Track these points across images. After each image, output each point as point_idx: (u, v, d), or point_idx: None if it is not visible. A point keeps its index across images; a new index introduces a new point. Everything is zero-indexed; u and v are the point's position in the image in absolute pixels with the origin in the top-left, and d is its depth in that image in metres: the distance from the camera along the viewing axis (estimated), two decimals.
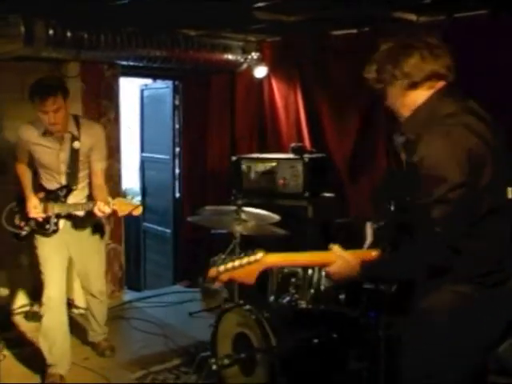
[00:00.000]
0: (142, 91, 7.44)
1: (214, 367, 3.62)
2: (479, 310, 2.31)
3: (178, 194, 6.96)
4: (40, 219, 4.07)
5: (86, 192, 4.22)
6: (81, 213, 4.13)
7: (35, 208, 4.04)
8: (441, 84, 2.38)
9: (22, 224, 4.15)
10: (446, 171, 2.19)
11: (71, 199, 4.12)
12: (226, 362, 3.62)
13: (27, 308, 5.39)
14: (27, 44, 4.45)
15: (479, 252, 2.29)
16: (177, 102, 6.81)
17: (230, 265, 2.38)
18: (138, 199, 4.07)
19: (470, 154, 2.20)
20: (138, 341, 5.07)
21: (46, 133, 4.00)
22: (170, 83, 6.82)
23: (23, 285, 5.46)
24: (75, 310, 5.34)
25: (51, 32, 4.52)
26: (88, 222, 4.24)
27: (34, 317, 5.21)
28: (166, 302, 6.05)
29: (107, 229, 5.71)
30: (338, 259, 2.47)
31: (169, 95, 6.85)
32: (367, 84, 2.52)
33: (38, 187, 4.17)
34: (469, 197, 2.20)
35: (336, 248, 2.52)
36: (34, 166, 4.18)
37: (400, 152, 2.50)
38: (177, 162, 6.91)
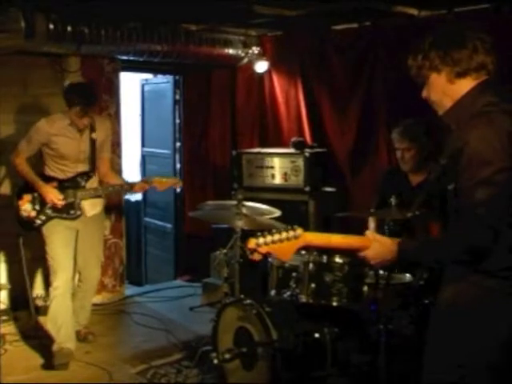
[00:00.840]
0: (142, 86, 7.43)
1: (215, 361, 3.62)
2: (502, 305, 2.29)
3: (178, 189, 6.95)
4: (60, 206, 4.31)
5: (97, 179, 4.56)
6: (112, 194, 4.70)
7: (57, 196, 4.29)
8: (485, 77, 2.39)
9: (33, 214, 4.35)
10: (490, 155, 2.19)
11: (89, 185, 4.45)
12: (227, 356, 3.62)
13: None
14: (28, 38, 4.44)
15: (508, 246, 2.26)
16: (177, 97, 6.79)
17: (269, 238, 2.33)
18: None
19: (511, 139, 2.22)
20: (139, 335, 5.07)
21: (71, 124, 4.33)
22: (170, 78, 6.81)
23: (23, 279, 5.47)
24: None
25: (52, 26, 4.52)
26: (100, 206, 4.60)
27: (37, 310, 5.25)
28: (167, 297, 6.07)
29: (108, 224, 5.74)
30: (374, 243, 2.43)
31: (169, 90, 6.84)
32: (409, 73, 2.50)
33: (42, 178, 4.38)
34: (511, 181, 2.19)
35: (369, 232, 2.51)
36: (46, 157, 4.42)
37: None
38: (177, 156, 6.90)
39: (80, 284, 4.71)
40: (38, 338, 4.74)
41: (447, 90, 2.42)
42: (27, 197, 4.36)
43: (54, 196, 4.29)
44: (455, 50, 2.36)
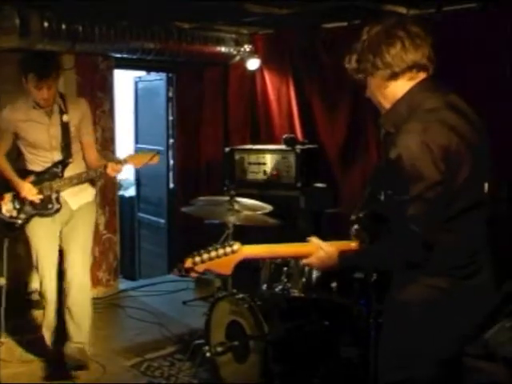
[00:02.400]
0: (136, 83, 7.41)
1: (208, 354, 3.63)
2: (453, 302, 2.29)
3: (171, 185, 6.95)
4: (37, 201, 3.97)
5: (81, 166, 4.12)
6: (90, 180, 4.13)
7: (31, 191, 3.95)
8: (422, 75, 2.31)
9: (14, 213, 4.02)
10: (422, 169, 2.14)
11: (67, 174, 4.02)
12: (220, 349, 3.63)
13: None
14: (22, 36, 4.42)
15: (453, 246, 2.27)
16: (170, 94, 6.78)
17: (205, 256, 2.38)
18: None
19: (446, 152, 2.16)
20: (133, 329, 5.07)
21: (35, 107, 3.95)
22: (163, 75, 6.79)
23: (20, 274, 5.46)
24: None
25: (46, 24, 4.49)
26: (86, 196, 4.18)
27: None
28: (161, 291, 6.06)
29: (102, 220, 5.72)
30: (317, 250, 2.49)
31: (163, 87, 6.82)
32: (348, 74, 2.47)
33: (22, 173, 4.05)
34: (444, 195, 2.17)
35: (314, 239, 2.55)
36: (20, 148, 4.08)
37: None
38: (171, 153, 6.89)
39: (66, 288, 4.14)
40: (32, 333, 4.75)
41: (384, 92, 2.37)
42: (8, 196, 4.01)
43: (27, 191, 3.94)
44: (384, 52, 2.28)
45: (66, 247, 4.16)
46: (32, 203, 3.99)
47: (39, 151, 4.03)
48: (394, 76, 2.30)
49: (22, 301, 5.10)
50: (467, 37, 4.34)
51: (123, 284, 6.26)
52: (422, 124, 2.19)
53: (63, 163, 4.02)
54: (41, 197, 3.97)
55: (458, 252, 2.30)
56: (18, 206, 4.01)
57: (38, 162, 4.05)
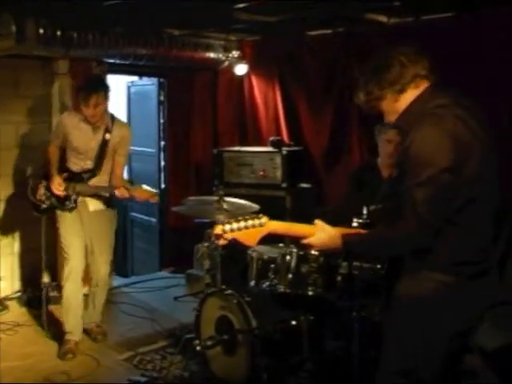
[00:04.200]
0: (128, 88, 7.39)
1: (198, 348, 3.62)
2: (455, 299, 2.29)
3: (163, 186, 6.93)
4: (61, 196, 4.31)
5: (106, 179, 4.44)
6: (104, 194, 4.40)
7: (59, 185, 4.28)
8: (426, 83, 2.37)
9: (44, 198, 4.38)
10: (433, 155, 2.17)
11: (93, 183, 4.37)
12: (210, 343, 3.63)
13: (20, 293, 5.37)
14: (19, 42, 4.42)
15: (458, 240, 2.27)
16: (162, 98, 6.77)
17: (235, 225, 2.34)
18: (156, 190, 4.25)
19: (456, 143, 2.18)
20: (125, 324, 5.06)
21: (85, 120, 4.28)
22: (155, 80, 6.78)
23: (16, 271, 5.44)
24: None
25: (42, 31, 4.49)
26: (103, 206, 4.47)
27: (27, 302, 5.20)
28: (153, 287, 6.04)
29: None
30: (320, 232, 2.48)
31: (154, 91, 6.81)
32: (364, 110, 2.53)
33: (63, 169, 4.40)
34: (452, 183, 2.18)
35: (318, 222, 2.52)
36: (64, 148, 4.42)
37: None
38: (162, 155, 6.88)
39: (90, 279, 4.61)
40: (31, 327, 4.74)
41: (397, 107, 2.41)
42: (44, 182, 4.38)
43: (55, 185, 4.28)
44: (385, 73, 2.37)
45: (90, 247, 4.48)
46: (56, 196, 4.33)
47: (77, 156, 4.39)
48: (402, 90, 2.37)
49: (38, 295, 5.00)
50: (444, 43, 4.37)
51: (116, 281, 6.22)
52: (435, 115, 2.24)
53: (92, 172, 4.38)
54: (64, 193, 4.31)
55: (463, 248, 2.29)
56: (47, 194, 4.38)
57: (74, 163, 4.40)
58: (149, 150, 7.03)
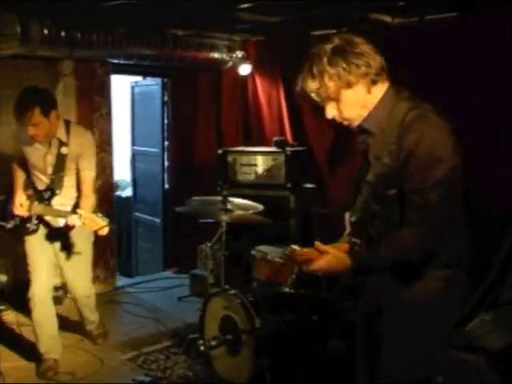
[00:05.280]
0: (132, 88, 7.40)
1: (202, 348, 3.63)
2: (457, 291, 2.30)
3: (167, 186, 6.95)
4: (23, 216, 3.91)
5: (71, 198, 4.02)
6: (59, 220, 3.93)
7: (21, 205, 3.90)
8: (387, 81, 2.24)
9: (9, 218, 3.97)
10: (444, 154, 2.09)
11: (56, 202, 3.93)
12: (213, 343, 3.64)
13: None
14: (23, 43, 4.42)
15: (459, 236, 2.26)
16: (166, 99, 6.78)
17: None
18: (106, 220, 3.56)
19: (455, 142, 2.14)
20: (130, 324, 5.07)
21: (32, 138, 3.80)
22: (159, 80, 6.79)
23: (21, 273, 5.44)
24: (70, 295, 5.31)
25: (46, 31, 4.49)
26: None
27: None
28: (157, 288, 6.06)
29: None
30: (327, 255, 2.29)
31: (158, 92, 6.82)
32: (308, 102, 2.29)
33: (29, 185, 4.02)
34: (460, 181, 2.15)
35: (319, 245, 2.34)
36: (26, 165, 4.04)
37: (368, 148, 2.34)
38: (166, 155, 6.89)
39: (74, 300, 4.44)
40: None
41: (365, 101, 2.22)
42: (11, 200, 3.96)
43: (16, 206, 3.89)
44: (359, 56, 2.14)
45: (63, 266, 4.18)
46: (18, 216, 3.94)
47: (36, 173, 3.99)
48: (374, 81, 2.19)
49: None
50: (448, 44, 4.37)
51: (120, 281, 6.25)
52: (428, 117, 2.14)
53: (51, 191, 3.91)
54: (25, 214, 3.90)
55: (462, 240, 2.28)
56: (11, 212, 3.96)
57: (37, 180, 4.00)
58: (152, 150, 7.04)
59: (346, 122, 2.32)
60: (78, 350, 4.46)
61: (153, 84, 6.98)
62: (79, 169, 3.93)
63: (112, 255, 6.00)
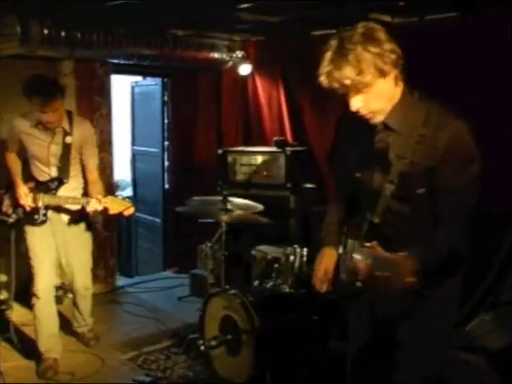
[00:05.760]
0: (132, 88, 7.40)
1: (202, 348, 3.64)
2: (459, 291, 2.36)
3: (167, 186, 6.95)
4: (28, 208, 3.94)
5: (77, 186, 4.11)
6: (72, 207, 4.01)
7: (26, 196, 3.92)
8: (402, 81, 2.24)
9: (10, 211, 4.00)
10: (474, 152, 2.15)
11: (62, 192, 3.98)
12: (213, 343, 3.64)
13: None
14: (23, 43, 4.43)
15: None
16: (166, 99, 6.78)
17: None
18: (129, 198, 3.78)
19: None
20: (130, 324, 5.07)
21: (38, 125, 3.87)
22: (159, 80, 6.79)
23: (22, 271, 5.44)
24: (70, 295, 5.31)
25: (46, 32, 4.50)
26: (76, 216, 4.10)
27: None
28: (157, 287, 6.06)
29: (100, 219, 5.70)
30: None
31: (158, 92, 6.82)
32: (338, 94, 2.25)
33: (28, 177, 4.04)
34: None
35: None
36: (25, 156, 4.06)
37: (386, 146, 2.27)
38: (166, 155, 6.89)
39: (73, 295, 4.45)
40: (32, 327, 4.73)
41: (392, 94, 2.22)
42: (10, 192, 4.01)
43: (21, 195, 3.91)
44: (387, 44, 2.11)
45: (65, 260, 4.24)
46: (23, 208, 3.97)
47: (39, 164, 4.01)
48: (401, 72, 2.19)
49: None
50: (448, 44, 4.38)
51: (121, 281, 6.25)
52: (455, 115, 2.18)
53: (59, 181, 3.98)
54: (32, 205, 3.93)
55: (463, 242, 2.30)
56: (13, 206, 4.00)
57: (39, 172, 4.03)
58: (153, 150, 7.04)
59: (370, 115, 2.25)
60: (78, 349, 4.46)
61: (153, 84, 6.98)
62: (83, 158, 4.05)
63: (112, 255, 6.00)
